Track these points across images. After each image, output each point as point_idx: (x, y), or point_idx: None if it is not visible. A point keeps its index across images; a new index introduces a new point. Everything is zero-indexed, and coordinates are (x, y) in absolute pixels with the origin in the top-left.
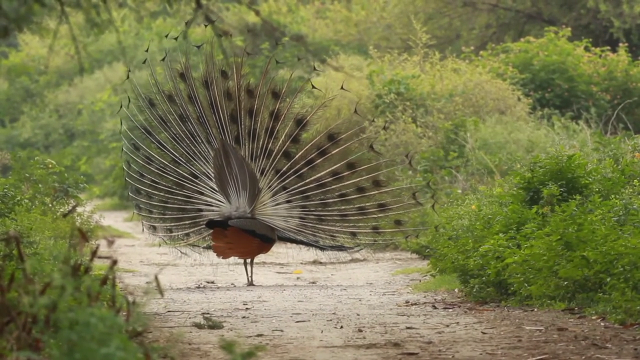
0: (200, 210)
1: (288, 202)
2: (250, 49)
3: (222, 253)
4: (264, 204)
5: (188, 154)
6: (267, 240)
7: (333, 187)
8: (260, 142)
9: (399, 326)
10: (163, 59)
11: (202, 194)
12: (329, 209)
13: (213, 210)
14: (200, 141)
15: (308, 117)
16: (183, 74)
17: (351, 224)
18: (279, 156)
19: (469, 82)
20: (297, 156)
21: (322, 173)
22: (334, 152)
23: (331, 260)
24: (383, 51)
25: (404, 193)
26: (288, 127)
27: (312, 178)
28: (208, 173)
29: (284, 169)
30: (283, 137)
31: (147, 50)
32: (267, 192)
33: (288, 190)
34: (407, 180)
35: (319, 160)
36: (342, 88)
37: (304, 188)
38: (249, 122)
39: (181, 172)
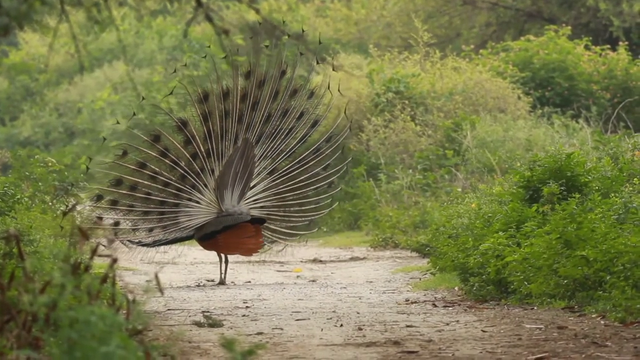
0: (178, 205)
1: (267, 199)
2: (252, 46)
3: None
4: (246, 201)
5: (211, 150)
6: None
7: (306, 182)
8: (278, 143)
9: (399, 324)
10: (224, 57)
11: (194, 187)
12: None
13: (205, 207)
14: (227, 138)
15: (321, 120)
16: (250, 71)
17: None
18: (284, 157)
19: (469, 80)
20: (300, 157)
21: (315, 171)
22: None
23: (331, 259)
24: (383, 50)
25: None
26: (306, 128)
27: (304, 176)
28: (213, 170)
29: (283, 169)
30: (299, 137)
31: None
32: (251, 190)
33: (272, 189)
34: (407, 179)
35: (313, 162)
36: (338, 92)
37: (290, 187)
38: (279, 122)
39: (196, 167)
